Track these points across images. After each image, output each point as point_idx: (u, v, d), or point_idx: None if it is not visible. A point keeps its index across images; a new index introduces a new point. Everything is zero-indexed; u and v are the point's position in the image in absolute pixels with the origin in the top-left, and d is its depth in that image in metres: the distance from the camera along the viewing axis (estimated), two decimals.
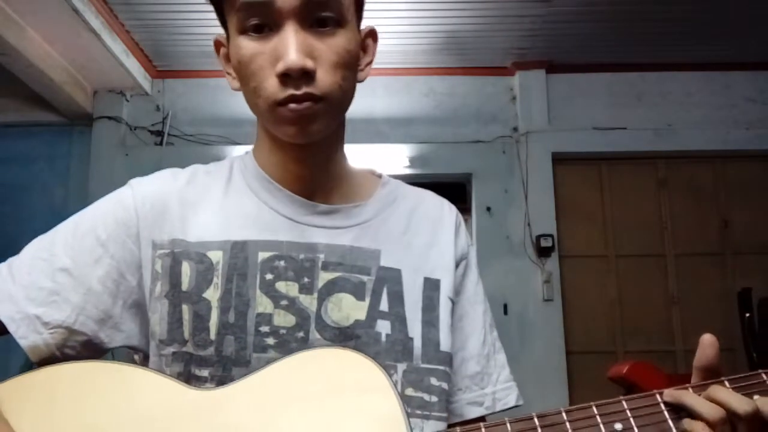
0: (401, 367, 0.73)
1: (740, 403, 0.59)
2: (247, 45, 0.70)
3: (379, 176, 0.87)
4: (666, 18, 4.01)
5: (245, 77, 0.72)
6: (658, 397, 0.63)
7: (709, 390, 0.62)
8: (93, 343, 0.73)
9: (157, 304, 0.73)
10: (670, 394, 0.63)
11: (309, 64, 0.68)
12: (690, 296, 4.43)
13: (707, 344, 0.64)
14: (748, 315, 3.61)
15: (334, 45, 0.70)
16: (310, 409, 0.63)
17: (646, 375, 3.25)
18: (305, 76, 0.68)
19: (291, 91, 0.68)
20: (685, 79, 4.62)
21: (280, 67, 0.68)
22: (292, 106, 0.69)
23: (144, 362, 0.76)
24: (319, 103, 0.70)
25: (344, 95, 0.73)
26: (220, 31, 0.80)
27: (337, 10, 0.70)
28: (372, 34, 0.81)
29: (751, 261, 4.46)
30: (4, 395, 0.67)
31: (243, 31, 0.70)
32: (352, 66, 0.74)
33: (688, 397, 0.62)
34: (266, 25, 0.69)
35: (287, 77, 0.68)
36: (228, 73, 0.79)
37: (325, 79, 0.70)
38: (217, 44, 0.81)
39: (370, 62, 0.81)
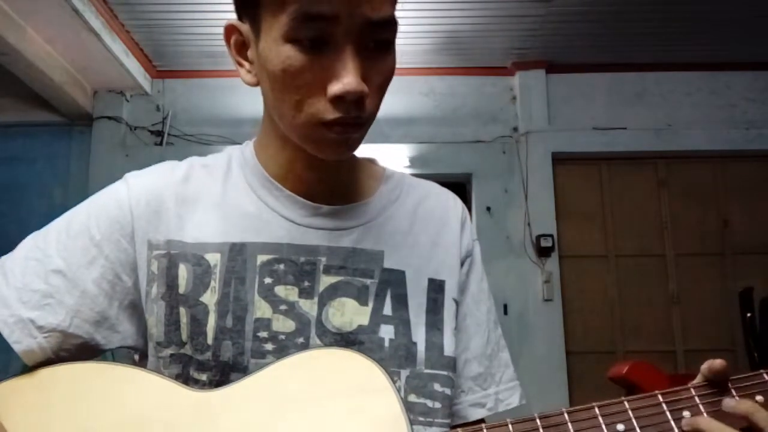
0: (404, 373, 0.72)
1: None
2: (296, 56, 0.64)
3: (383, 169, 0.85)
4: (666, 18, 4.01)
5: (286, 88, 0.66)
6: (659, 397, 0.62)
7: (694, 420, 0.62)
8: (89, 345, 0.71)
9: (154, 305, 0.72)
10: (688, 423, 0.63)
11: (366, 89, 0.64)
12: (690, 296, 4.43)
13: (715, 370, 0.64)
14: (749, 315, 3.61)
15: (383, 67, 0.68)
16: (309, 410, 0.63)
17: (646, 375, 3.25)
18: (358, 100, 0.65)
19: (341, 114, 0.65)
20: (685, 79, 4.62)
21: (337, 89, 0.63)
22: (338, 129, 0.66)
23: (142, 362, 0.75)
24: (361, 128, 0.69)
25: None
26: (220, 30, 0.74)
27: (392, 33, 0.67)
28: None
29: (751, 261, 4.46)
30: (2, 396, 0.66)
31: (293, 40, 0.64)
32: (390, 82, 0.71)
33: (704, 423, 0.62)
34: (322, 40, 0.64)
35: (340, 99, 0.64)
36: (241, 65, 0.73)
37: (372, 103, 0.68)
38: (230, 30, 0.72)
39: None
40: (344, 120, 0.65)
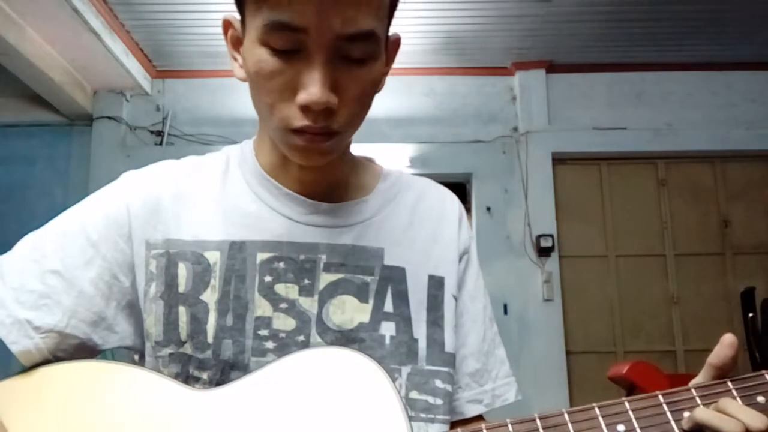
0: (405, 370, 0.72)
1: (753, 419, 0.58)
2: (268, 59, 0.64)
3: (380, 167, 0.85)
4: (666, 18, 4.01)
5: (260, 89, 0.67)
6: (660, 398, 0.62)
7: (719, 403, 0.60)
8: (86, 345, 0.71)
9: (152, 305, 0.72)
10: (687, 420, 0.61)
11: (333, 100, 0.64)
12: (690, 296, 4.43)
13: (727, 344, 0.63)
14: (751, 315, 3.60)
15: (360, 78, 0.66)
16: (309, 409, 0.63)
17: (646, 375, 3.25)
18: (326, 110, 0.64)
19: (308, 123, 0.65)
20: (685, 79, 4.62)
21: (303, 98, 0.63)
22: (307, 137, 0.66)
23: (141, 362, 0.74)
24: (333, 138, 0.68)
25: (360, 122, 0.71)
26: (220, 30, 0.74)
27: (371, 46, 0.65)
28: (396, 43, 0.74)
29: (751, 261, 4.46)
30: (1, 396, 0.66)
31: (266, 44, 0.64)
32: (374, 93, 0.70)
33: (702, 413, 0.60)
34: (294, 48, 0.63)
35: (307, 109, 0.64)
36: (235, 59, 0.73)
37: (345, 114, 0.66)
38: (227, 24, 0.72)
39: (387, 72, 0.74)
40: (311, 129, 0.65)
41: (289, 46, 0.63)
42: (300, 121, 0.65)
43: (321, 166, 0.73)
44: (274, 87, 0.65)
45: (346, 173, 0.79)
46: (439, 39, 4.21)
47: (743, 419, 0.58)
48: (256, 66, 0.65)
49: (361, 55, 0.65)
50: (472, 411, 0.80)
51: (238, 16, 0.71)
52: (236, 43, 0.72)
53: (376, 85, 0.70)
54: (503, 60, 4.55)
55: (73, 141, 4.56)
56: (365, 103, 0.69)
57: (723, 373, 0.63)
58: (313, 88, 0.63)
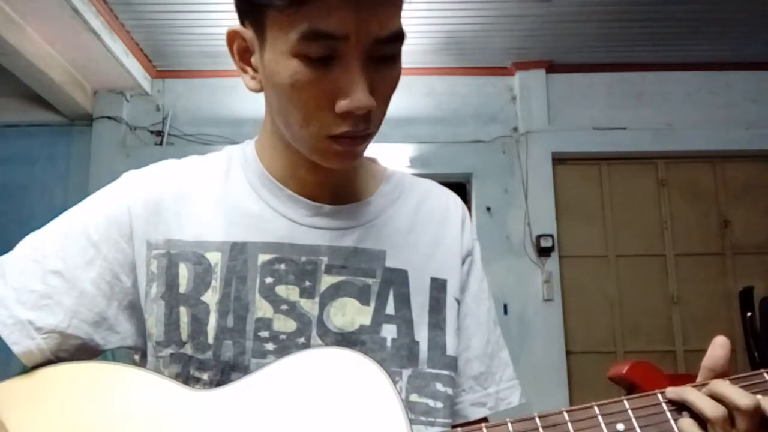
0: (406, 372, 0.72)
1: (741, 398, 0.59)
2: (303, 71, 0.63)
3: (383, 168, 0.84)
4: (666, 18, 4.01)
5: (293, 101, 0.66)
6: (659, 396, 0.62)
7: (710, 385, 0.61)
8: (88, 346, 0.71)
9: (153, 305, 0.71)
10: (674, 391, 0.62)
11: (374, 103, 0.64)
12: (690, 296, 4.43)
13: (718, 345, 0.63)
14: (749, 314, 3.61)
15: (390, 77, 0.68)
16: (309, 410, 0.63)
17: (646, 375, 3.25)
18: (365, 114, 0.65)
19: (348, 128, 0.65)
20: (685, 79, 4.62)
21: (347, 105, 0.64)
22: (346, 141, 0.67)
23: (142, 362, 0.74)
24: (368, 139, 0.69)
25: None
26: (220, 30, 0.75)
27: (399, 45, 0.67)
28: None
29: (751, 261, 4.46)
30: (1, 397, 0.66)
31: (300, 55, 0.63)
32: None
33: (690, 394, 0.61)
34: (330, 56, 0.63)
35: (349, 114, 0.64)
36: (244, 71, 0.72)
37: (378, 114, 0.68)
38: (232, 37, 0.71)
39: None
40: (352, 133, 0.66)
41: (325, 54, 0.63)
42: (340, 127, 0.65)
43: (332, 169, 0.73)
44: (310, 97, 0.65)
45: (349, 175, 0.79)
46: (439, 39, 4.21)
47: (734, 398, 0.59)
48: (291, 78, 0.64)
49: (391, 54, 0.67)
50: (475, 414, 0.80)
51: (240, 27, 0.70)
52: (244, 55, 0.71)
53: (399, 81, 0.70)
54: (503, 60, 4.56)
55: (73, 141, 4.56)
56: (390, 101, 0.70)
57: (718, 375, 0.63)
58: (356, 94, 0.63)
